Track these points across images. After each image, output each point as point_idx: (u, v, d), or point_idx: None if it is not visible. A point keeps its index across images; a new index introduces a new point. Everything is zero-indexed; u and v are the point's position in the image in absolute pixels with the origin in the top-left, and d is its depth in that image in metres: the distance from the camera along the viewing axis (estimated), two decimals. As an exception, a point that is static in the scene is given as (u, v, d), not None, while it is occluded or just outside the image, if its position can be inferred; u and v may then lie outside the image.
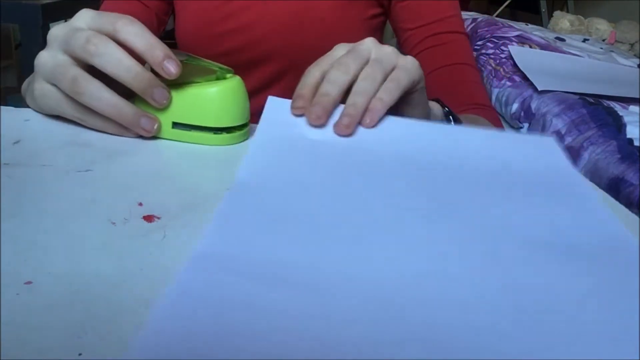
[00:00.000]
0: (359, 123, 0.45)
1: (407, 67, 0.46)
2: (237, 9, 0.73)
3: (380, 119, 0.45)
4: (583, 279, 0.30)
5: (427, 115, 0.51)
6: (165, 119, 0.43)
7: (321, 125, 0.44)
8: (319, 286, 0.26)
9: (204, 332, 0.22)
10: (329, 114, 0.44)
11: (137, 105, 0.42)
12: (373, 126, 0.44)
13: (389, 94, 0.45)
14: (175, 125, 0.44)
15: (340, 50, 0.48)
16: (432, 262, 0.29)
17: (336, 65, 0.45)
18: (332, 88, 0.44)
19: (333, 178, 0.38)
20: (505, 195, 0.39)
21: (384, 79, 0.45)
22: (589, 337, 0.25)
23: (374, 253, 0.30)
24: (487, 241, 0.32)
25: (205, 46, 0.74)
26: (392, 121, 0.46)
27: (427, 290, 0.27)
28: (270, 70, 0.74)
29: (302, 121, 0.44)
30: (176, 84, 0.43)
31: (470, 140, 0.46)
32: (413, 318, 0.25)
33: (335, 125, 0.44)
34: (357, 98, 0.44)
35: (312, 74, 0.46)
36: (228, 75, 0.45)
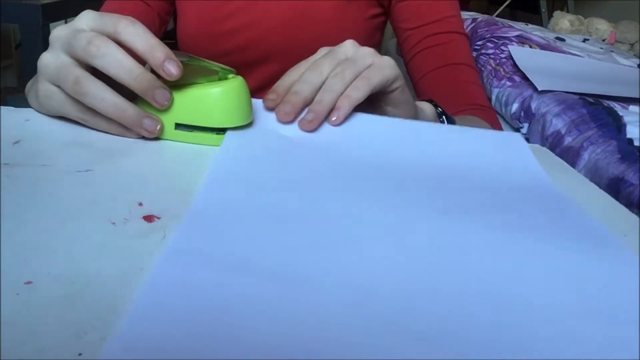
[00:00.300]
0: (326, 121, 0.45)
1: (381, 66, 0.47)
2: (238, 8, 0.73)
3: (350, 117, 0.46)
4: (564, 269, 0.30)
5: (414, 115, 0.51)
6: (168, 120, 0.43)
7: (290, 123, 0.45)
8: (293, 278, 0.26)
9: (181, 327, 0.22)
10: (298, 112, 0.45)
11: (139, 107, 0.42)
12: (340, 124, 0.45)
13: (356, 91, 0.45)
14: (178, 126, 0.44)
15: (320, 53, 0.49)
16: (405, 255, 0.30)
17: (311, 67, 0.46)
18: (303, 87, 0.45)
19: (303, 174, 0.39)
20: (472, 190, 0.39)
21: (355, 77, 0.46)
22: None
23: (345, 245, 0.30)
24: (460, 236, 0.33)
25: (206, 46, 0.74)
26: (363, 118, 0.47)
27: (401, 282, 0.27)
28: (271, 70, 0.75)
29: (274, 118, 0.46)
30: (178, 84, 0.43)
31: (437, 137, 0.47)
32: (391, 309, 0.25)
33: (300, 121, 0.45)
34: (324, 95, 0.45)
35: (290, 75, 0.48)
36: (230, 76, 0.45)
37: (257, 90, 0.75)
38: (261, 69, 0.75)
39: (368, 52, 0.47)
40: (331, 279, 0.27)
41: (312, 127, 0.44)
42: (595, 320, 0.26)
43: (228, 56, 0.73)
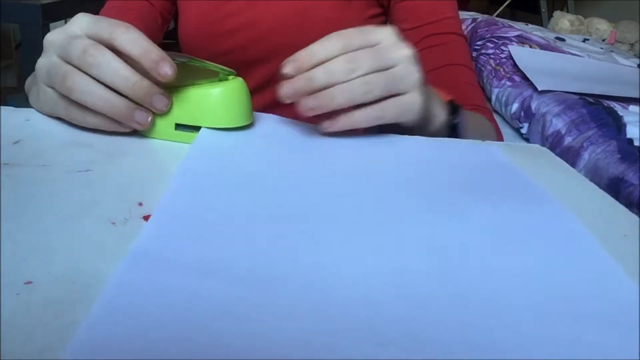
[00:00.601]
0: (318, 124, 0.44)
1: (406, 105, 0.44)
2: (238, 8, 0.73)
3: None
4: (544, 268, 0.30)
5: (420, 130, 0.50)
6: (168, 121, 0.43)
7: (284, 102, 0.43)
8: (257, 281, 0.26)
9: (141, 329, 0.22)
10: (300, 98, 0.43)
11: None
12: (328, 134, 0.44)
13: (363, 119, 0.44)
14: (178, 126, 0.44)
15: (372, 34, 0.44)
16: (373, 256, 0.30)
17: (349, 58, 0.43)
18: (323, 78, 0.42)
19: (275, 175, 0.38)
20: (450, 195, 0.38)
21: (380, 98, 0.43)
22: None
23: (311, 247, 0.30)
24: (431, 236, 0.32)
25: (206, 46, 0.74)
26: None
27: (368, 283, 0.27)
28: (270, 69, 0.75)
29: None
30: (179, 85, 0.43)
31: (408, 146, 0.47)
32: (357, 312, 0.25)
33: (299, 102, 0.43)
34: (339, 95, 0.42)
35: (329, 47, 0.43)
36: (230, 77, 0.45)
37: (257, 89, 0.75)
38: (261, 68, 0.75)
39: (414, 77, 0.44)
40: (297, 281, 0.26)
41: (309, 115, 0.42)
42: (575, 322, 0.26)
43: (228, 55, 0.73)
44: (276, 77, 0.74)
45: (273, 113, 0.75)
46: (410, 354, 0.22)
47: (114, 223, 0.31)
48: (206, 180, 0.36)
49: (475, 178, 0.42)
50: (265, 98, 0.73)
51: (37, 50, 0.42)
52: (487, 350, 0.23)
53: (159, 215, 0.31)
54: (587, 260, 0.31)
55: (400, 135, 0.50)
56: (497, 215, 0.36)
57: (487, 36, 1.25)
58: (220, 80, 0.45)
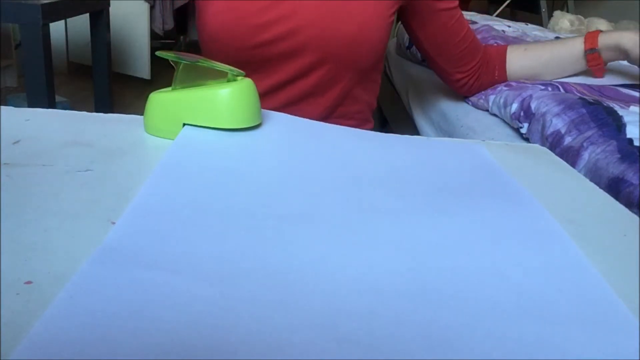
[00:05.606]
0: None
1: None
2: (273, 0, 0.73)
3: (325, 128, 0.46)
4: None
5: None
6: (176, 120, 0.43)
7: None
8: (221, 278, 0.26)
9: (100, 326, 0.22)
10: None
11: (157, 94, 0.43)
12: None
13: None
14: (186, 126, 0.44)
15: None
16: (343, 253, 0.30)
17: None
18: None
19: (252, 174, 0.38)
20: (439, 195, 0.39)
21: None
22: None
23: (280, 247, 0.30)
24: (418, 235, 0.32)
25: (239, 39, 0.73)
26: (338, 130, 0.48)
27: (334, 280, 0.27)
28: (304, 61, 0.74)
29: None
30: (188, 85, 0.43)
31: (397, 144, 0.48)
32: (320, 311, 0.25)
33: None
34: None
35: None
36: (239, 78, 0.45)
37: (288, 83, 0.74)
38: (296, 60, 0.74)
39: None
40: (262, 280, 0.26)
41: None
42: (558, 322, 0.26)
43: (262, 48, 0.72)
44: (304, 71, 0.75)
45: (299, 107, 0.74)
46: (372, 351, 0.22)
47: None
48: (183, 178, 0.36)
49: (458, 178, 0.42)
50: (293, 92, 0.72)
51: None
52: (454, 349, 0.23)
53: (131, 212, 0.31)
54: (562, 261, 0.32)
55: (390, 134, 0.50)
56: (476, 215, 0.36)
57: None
58: (229, 81, 0.44)
